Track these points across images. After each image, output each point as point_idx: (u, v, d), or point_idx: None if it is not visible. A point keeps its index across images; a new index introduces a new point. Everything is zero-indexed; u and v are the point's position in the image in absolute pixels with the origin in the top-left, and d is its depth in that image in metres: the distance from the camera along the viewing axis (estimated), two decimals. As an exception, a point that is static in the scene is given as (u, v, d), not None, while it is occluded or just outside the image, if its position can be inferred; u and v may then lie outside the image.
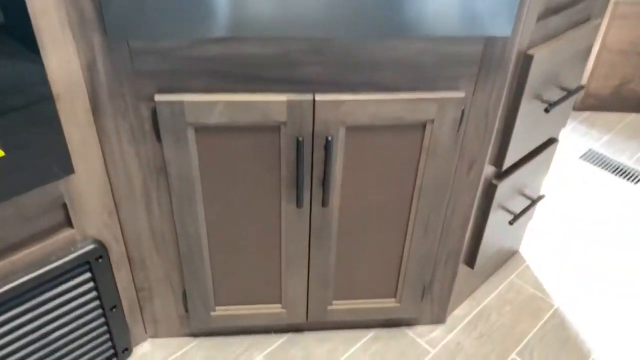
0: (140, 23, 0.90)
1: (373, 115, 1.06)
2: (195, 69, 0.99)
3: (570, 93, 1.26)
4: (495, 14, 0.95)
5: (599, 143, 2.30)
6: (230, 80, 1.01)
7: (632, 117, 2.48)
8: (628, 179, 2.10)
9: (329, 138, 1.06)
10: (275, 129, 1.07)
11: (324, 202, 1.14)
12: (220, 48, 0.97)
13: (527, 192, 1.47)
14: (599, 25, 1.28)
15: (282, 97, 1.02)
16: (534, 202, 1.45)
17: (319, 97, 1.03)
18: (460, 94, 1.06)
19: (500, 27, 0.97)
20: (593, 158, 2.21)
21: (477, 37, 1.00)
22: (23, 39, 0.88)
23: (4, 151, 0.90)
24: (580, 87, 1.30)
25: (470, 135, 1.14)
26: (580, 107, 2.52)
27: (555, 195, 2.02)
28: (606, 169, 2.15)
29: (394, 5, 0.92)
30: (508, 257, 1.72)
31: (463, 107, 1.09)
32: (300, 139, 1.05)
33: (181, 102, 1.01)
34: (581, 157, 2.22)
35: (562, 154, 2.23)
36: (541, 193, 2.02)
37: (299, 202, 1.14)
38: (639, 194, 2.03)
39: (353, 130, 1.09)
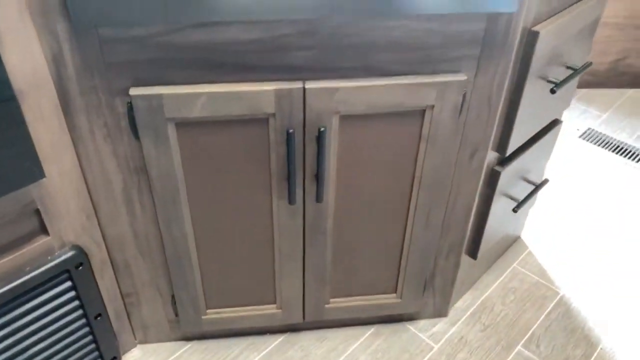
0: (109, 8, 0.81)
1: (369, 102, 0.98)
2: (174, 58, 0.90)
3: (577, 71, 1.19)
4: (499, -12, 0.87)
5: (598, 121, 2.24)
6: (213, 70, 0.92)
7: (630, 92, 2.42)
8: (629, 158, 2.04)
9: (322, 129, 0.98)
10: (263, 121, 0.99)
11: (318, 198, 1.07)
12: (201, 34, 0.88)
13: (531, 177, 1.40)
14: (605, -2, 1.20)
15: (270, 87, 0.94)
16: (537, 187, 1.38)
17: (309, 85, 0.95)
18: (462, 77, 0.98)
19: (505, 2, 0.89)
20: (593, 137, 2.15)
21: (479, 14, 0.92)
22: (-23, 30, 0.79)
23: (-37, 157, 0.81)
24: (588, 64, 1.22)
25: (472, 121, 1.07)
26: (577, 85, 2.44)
27: (556, 176, 1.96)
28: (606, 147, 2.09)
29: (389, -19, 0.84)
30: (510, 243, 1.66)
31: (465, 92, 1.01)
32: (291, 130, 0.97)
33: (159, 96, 0.92)
34: (580, 136, 2.15)
35: (561, 134, 2.17)
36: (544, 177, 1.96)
37: (291, 199, 1.06)
38: (640, 172, 1.98)
39: (347, 119, 1.01)
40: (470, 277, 1.50)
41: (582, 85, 2.45)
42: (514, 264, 1.61)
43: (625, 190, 1.90)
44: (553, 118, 1.33)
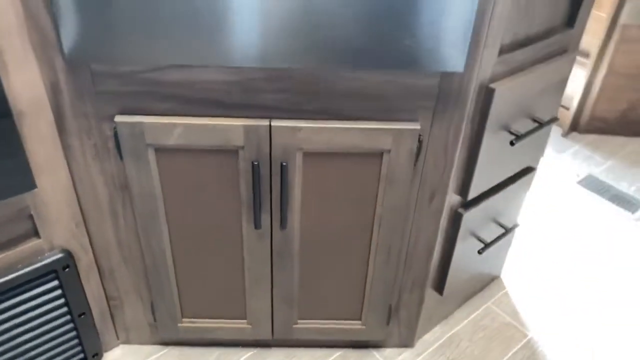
0: (99, 48, 0.94)
1: (330, 142, 1.08)
2: (155, 92, 1.02)
3: (541, 125, 1.25)
4: (447, 49, 0.95)
5: (600, 168, 2.26)
6: (189, 105, 1.04)
7: (638, 142, 2.42)
8: (625, 208, 2.05)
9: (284, 164, 1.07)
10: (233, 152, 1.09)
11: (282, 225, 1.16)
12: (180, 74, 1.00)
13: (502, 220, 1.46)
14: (574, 59, 1.26)
15: (239, 122, 1.05)
16: (507, 231, 1.44)
17: (275, 123, 1.05)
18: (416, 126, 1.06)
19: (453, 63, 0.97)
20: (592, 184, 2.17)
21: (432, 71, 1.01)
22: (-14, 61, 0.93)
23: (-36, 167, 0.95)
24: (554, 119, 1.28)
25: (430, 166, 1.15)
26: (586, 130, 2.47)
27: (546, 220, 1.99)
28: (604, 196, 2.11)
29: (349, 38, 0.93)
30: (487, 282, 1.71)
31: (421, 139, 1.09)
32: (256, 163, 1.07)
33: (141, 124, 1.04)
34: (579, 182, 2.18)
35: (559, 178, 2.20)
36: (522, 220, 1.99)
37: (256, 224, 1.16)
38: (634, 223, 1.99)
39: (311, 155, 1.10)
40: (440, 311, 1.56)
41: (591, 131, 2.47)
42: (488, 303, 1.65)
43: (614, 241, 1.92)
44: (525, 166, 1.39)
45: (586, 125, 2.46)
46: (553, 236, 1.92)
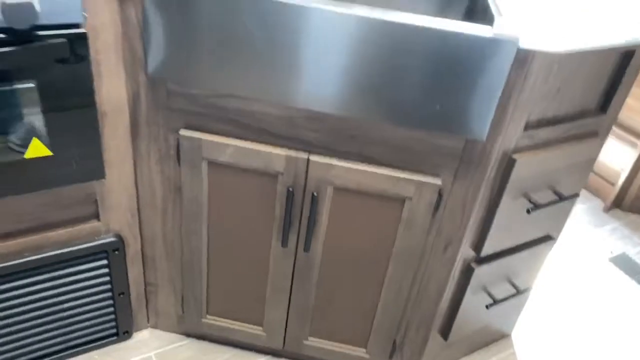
0: (176, 71, 1.11)
1: (358, 182, 1.20)
2: (216, 115, 1.19)
3: (561, 199, 1.33)
4: (472, 119, 1.07)
5: (637, 249, 2.26)
6: (243, 129, 1.20)
7: (682, 230, 2.41)
8: (653, 293, 2.06)
9: (315, 194, 1.21)
10: (274, 176, 1.24)
11: (306, 248, 1.30)
12: (238, 102, 1.17)
13: (516, 281, 1.53)
14: (602, 143, 1.34)
15: (282, 152, 1.20)
16: (518, 292, 1.51)
17: (313, 158, 1.19)
18: (437, 181, 1.17)
19: (476, 132, 1.08)
20: (623, 263, 2.18)
21: (457, 136, 1.12)
22: (84, 67, 1.12)
23: (52, 151, 1.14)
24: (575, 195, 1.36)
25: (447, 219, 1.25)
26: (629, 209, 2.47)
27: (569, 290, 2.02)
28: (633, 277, 2.12)
29: (389, 99, 1.07)
30: (497, 338, 1.76)
31: (441, 193, 1.20)
32: (291, 189, 1.22)
33: (199, 139, 1.21)
34: (612, 259, 2.19)
35: (592, 251, 2.22)
36: (543, 285, 2.03)
37: (284, 243, 1.30)
38: (660, 310, 1.99)
39: (340, 190, 1.24)
40: (445, 356, 1.63)
41: (634, 210, 2.47)
42: (493, 359, 1.71)
43: (634, 321, 1.92)
44: (543, 234, 1.47)
45: (630, 204, 2.46)
46: (572, 306, 1.95)
